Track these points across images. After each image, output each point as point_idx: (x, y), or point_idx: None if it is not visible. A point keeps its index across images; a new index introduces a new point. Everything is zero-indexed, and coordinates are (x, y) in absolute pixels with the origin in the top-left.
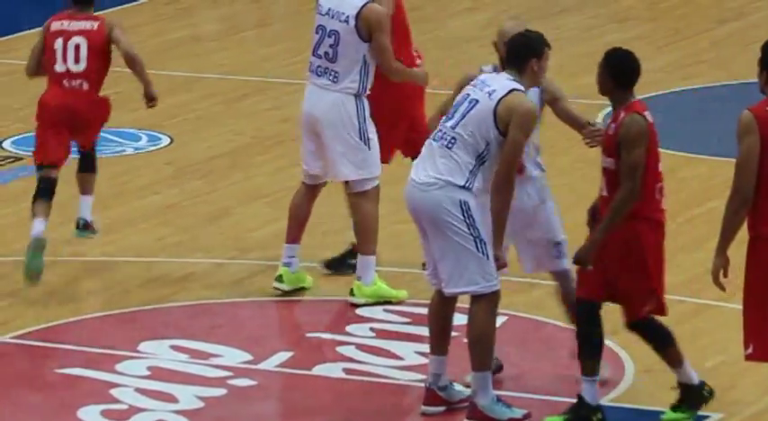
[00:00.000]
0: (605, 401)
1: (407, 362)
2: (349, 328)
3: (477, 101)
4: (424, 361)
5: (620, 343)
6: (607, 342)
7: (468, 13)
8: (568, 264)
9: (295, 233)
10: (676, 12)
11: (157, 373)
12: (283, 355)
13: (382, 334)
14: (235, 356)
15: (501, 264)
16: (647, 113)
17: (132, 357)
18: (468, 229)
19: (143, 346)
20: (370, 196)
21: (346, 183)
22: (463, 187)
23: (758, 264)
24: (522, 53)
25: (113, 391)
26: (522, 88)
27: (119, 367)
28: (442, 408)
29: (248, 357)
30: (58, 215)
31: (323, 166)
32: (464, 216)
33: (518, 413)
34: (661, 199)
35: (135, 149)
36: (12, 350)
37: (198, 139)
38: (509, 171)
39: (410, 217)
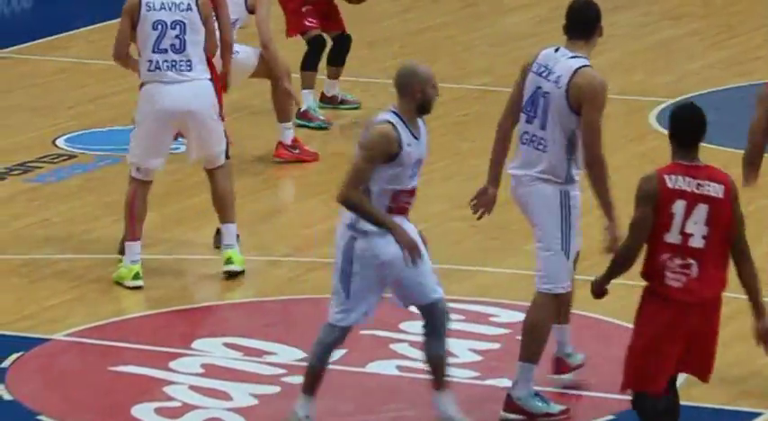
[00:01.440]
0: None
1: (461, 360)
2: (402, 325)
3: (548, 93)
4: (477, 358)
5: None
6: None
7: (523, 10)
8: None
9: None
10: (730, 8)
11: (211, 371)
12: (337, 353)
13: None
14: (289, 354)
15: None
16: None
17: (186, 355)
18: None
19: (197, 344)
20: (228, 168)
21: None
22: (564, 182)
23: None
24: (591, 19)
25: (167, 389)
26: (587, 62)
27: (173, 364)
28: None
29: (302, 355)
30: (111, 213)
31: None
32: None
33: (555, 409)
34: (673, 274)
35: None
36: (66, 347)
37: (253, 136)
38: (596, 152)
39: (463, 214)
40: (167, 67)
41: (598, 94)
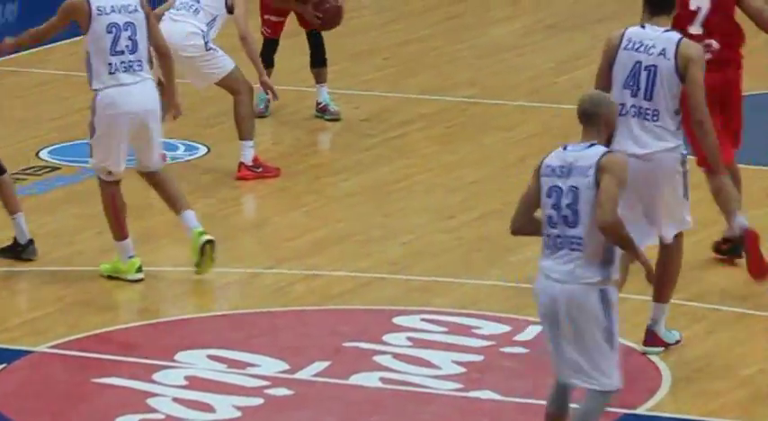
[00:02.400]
0: (643, 411)
1: (444, 372)
2: (386, 338)
3: (655, 66)
4: (460, 370)
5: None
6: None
7: (508, 22)
8: None
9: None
10: None
11: (195, 383)
12: (320, 365)
13: (419, 343)
14: (272, 366)
15: None
16: None
17: (169, 367)
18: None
19: (180, 356)
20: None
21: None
22: (676, 148)
23: None
24: None
25: (150, 401)
26: (680, 34)
27: (156, 377)
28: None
29: (285, 367)
30: (94, 225)
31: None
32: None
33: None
34: None
35: (172, 159)
36: (48, 359)
37: (235, 149)
38: (704, 109)
39: (446, 226)
40: (124, 68)
41: (702, 57)
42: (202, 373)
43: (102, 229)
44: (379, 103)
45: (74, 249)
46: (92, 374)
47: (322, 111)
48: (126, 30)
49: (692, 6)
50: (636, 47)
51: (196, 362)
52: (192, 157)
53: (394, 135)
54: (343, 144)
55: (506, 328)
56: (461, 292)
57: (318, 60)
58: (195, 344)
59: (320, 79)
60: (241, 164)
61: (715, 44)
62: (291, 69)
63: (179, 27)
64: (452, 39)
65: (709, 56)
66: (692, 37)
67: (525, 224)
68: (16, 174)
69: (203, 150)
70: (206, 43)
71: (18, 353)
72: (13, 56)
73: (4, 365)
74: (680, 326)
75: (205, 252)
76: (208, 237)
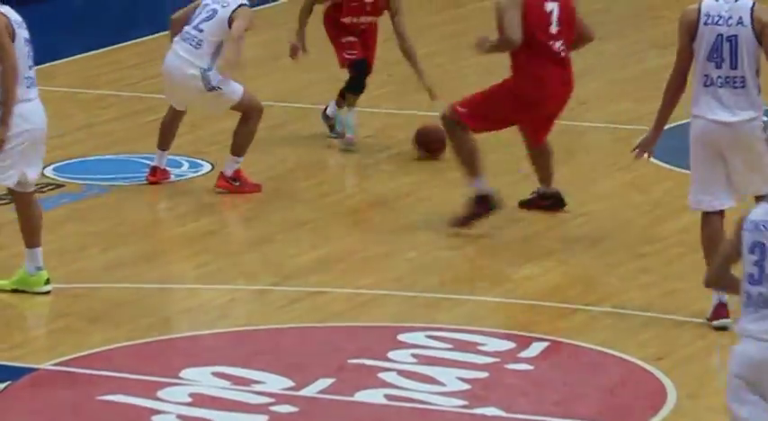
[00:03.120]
0: None
1: (449, 389)
2: (390, 354)
3: (735, 36)
4: (465, 386)
5: (662, 368)
6: (650, 368)
7: None
8: None
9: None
10: None
11: (199, 400)
12: (325, 382)
13: (424, 360)
14: (276, 383)
15: None
16: None
17: (174, 384)
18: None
19: (185, 373)
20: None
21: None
22: (757, 117)
23: None
24: None
25: (155, 418)
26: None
27: (161, 394)
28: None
29: (290, 384)
30: (99, 242)
31: None
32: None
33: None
34: None
35: (176, 176)
36: (53, 377)
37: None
38: None
39: (451, 243)
40: (33, 83)
41: None
42: (207, 390)
43: (106, 246)
44: (384, 119)
45: (78, 266)
46: (96, 391)
47: (338, 134)
48: (27, 45)
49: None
50: (715, 21)
51: (201, 379)
52: (196, 174)
53: (398, 151)
54: (348, 160)
55: (511, 345)
56: (466, 309)
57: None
58: (200, 361)
59: (351, 103)
60: (221, 174)
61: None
62: (296, 87)
63: (181, 68)
64: (456, 56)
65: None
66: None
67: (722, 278)
68: None
69: (207, 167)
70: (208, 83)
71: (22, 371)
72: None
73: (8, 383)
74: (684, 343)
75: (23, 288)
76: (49, 287)
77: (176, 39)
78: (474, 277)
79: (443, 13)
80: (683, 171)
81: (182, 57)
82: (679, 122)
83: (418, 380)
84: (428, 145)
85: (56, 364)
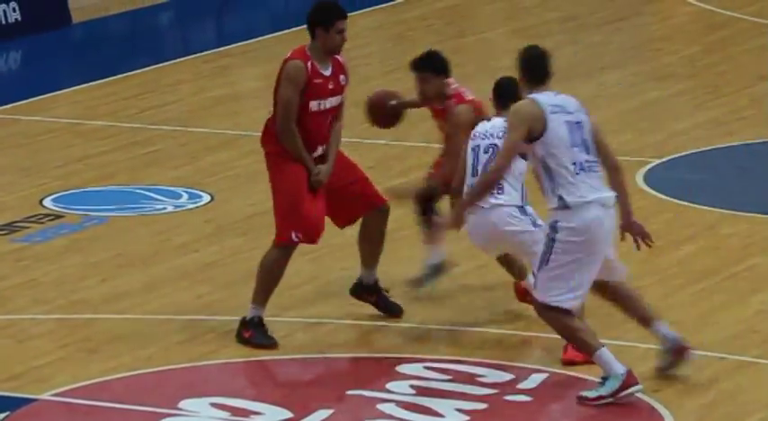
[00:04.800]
0: None
1: (447, 420)
2: (389, 386)
3: (580, 122)
4: (463, 418)
5: (662, 400)
6: (648, 399)
7: (511, 71)
8: None
9: None
10: (716, 69)
11: None
12: (324, 413)
13: (423, 391)
14: (275, 414)
15: None
16: None
17: (173, 415)
18: None
19: (184, 404)
20: None
21: None
22: None
23: None
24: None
25: None
26: None
27: None
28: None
29: (289, 415)
30: (98, 273)
31: None
32: None
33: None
34: None
35: (175, 207)
36: (52, 407)
37: (238, 197)
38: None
39: (450, 274)
40: None
41: None
42: None
43: (106, 277)
44: (385, 151)
45: (77, 297)
46: None
47: None
48: None
49: None
50: (559, 111)
51: (200, 410)
52: (195, 206)
53: (399, 183)
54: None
55: (510, 376)
56: (465, 340)
57: None
58: (199, 392)
59: None
60: None
61: None
62: None
63: None
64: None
65: None
66: None
67: None
68: (19, 222)
69: (206, 198)
70: None
71: (22, 401)
72: (16, 103)
73: (7, 413)
74: (683, 375)
75: None
76: None
77: None
78: (473, 308)
79: (444, 44)
80: (683, 202)
81: None
82: (680, 154)
83: (417, 411)
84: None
85: (54, 395)
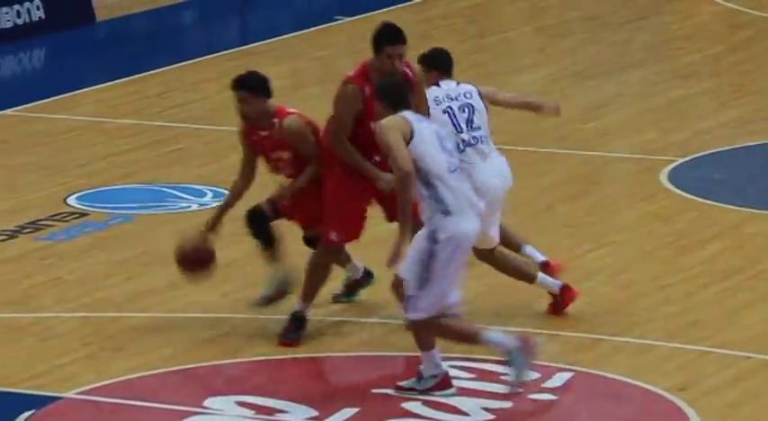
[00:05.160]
0: None
1: (473, 418)
2: None
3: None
4: (489, 416)
5: (686, 399)
6: (674, 398)
7: (533, 69)
8: None
9: None
10: (740, 68)
11: None
12: (348, 411)
13: None
14: (300, 412)
15: None
16: None
17: (198, 413)
18: None
19: (209, 402)
20: None
21: None
22: None
23: None
24: None
25: None
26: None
27: None
28: None
29: (314, 413)
30: (122, 271)
31: None
32: None
33: None
34: None
35: (200, 205)
36: (77, 406)
37: (262, 195)
38: None
39: (474, 273)
40: None
41: None
42: (231, 420)
43: (130, 275)
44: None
45: (102, 295)
46: None
47: None
48: None
49: None
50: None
51: (225, 408)
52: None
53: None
54: None
55: (535, 375)
56: None
57: None
58: (224, 390)
59: None
60: None
61: None
62: (319, 115)
63: None
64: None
65: None
66: None
67: None
68: (44, 220)
69: None
70: None
71: (46, 400)
72: (40, 102)
73: (32, 412)
74: (708, 374)
75: None
76: None
77: None
78: (498, 307)
79: (466, 43)
80: (707, 201)
81: None
82: (704, 153)
83: (442, 409)
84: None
85: (79, 393)
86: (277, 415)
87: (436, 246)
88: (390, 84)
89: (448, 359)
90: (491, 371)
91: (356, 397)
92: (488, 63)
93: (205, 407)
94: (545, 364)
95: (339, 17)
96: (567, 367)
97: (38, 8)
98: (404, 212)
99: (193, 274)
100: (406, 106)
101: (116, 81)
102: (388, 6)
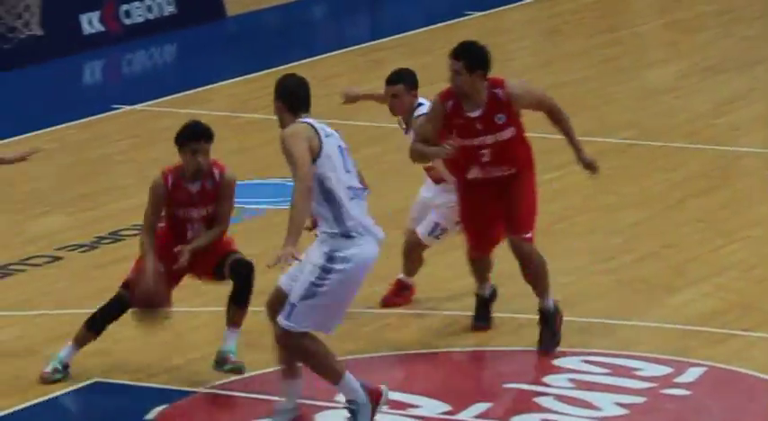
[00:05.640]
0: None
1: (605, 414)
2: (546, 379)
3: (347, 148)
4: (622, 412)
5: None
6: None
7: (664, 64)
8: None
9: None
10: None
11: None
12: (481, 406)
13: (581, 384)
14: (433, 407)
15: None
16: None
17: (331, 408)
18: None
19: (342, 397)
20: None
21: None
22: None
23: None
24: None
25: None
26: None
27: (318, 417)
28: None
29: (447, 408)
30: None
31: None
32: None
33: None
34: None
35: None
36: (210, 400)
37: (391, 191)
38: None
39: (607, 268)
40: None
41: None
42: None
43: (264, 270)
44: (537, 144)
45: (228, 291)
46: (253, 415)
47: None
48: None
49: None
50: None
51: None
52: None
53: (553, 177)
54: None
55: (668, 370)
56: (622, 334)
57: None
58: None
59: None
60: None
61: None
62: None
63: None
64: (609, 81)
65: None
66: None
67: None
68: None
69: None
70: None
71: (180, 394)
72: (172, 96)
73: (166, 406)
74: None
75: None
76: None
77: None
78: (629, 302)
79: (597, 38)
80: None
81: None
82: None
83: (575, 404)
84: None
85: (212, 387)
86: (409, 409)
87: (333, 265)
88: (290, 82)
89: (578, 353)
90: (624, 367)
91: (488, 391)
92: (619, 57)
93: (338, 402)
94: (677, 359)
95: (469, 12)
96: (700, 362)
97: (169, 3)
98: (294, 224)
99: (144, 317)
100: (305, 109)
101: (247, 76)
102: (519, 1)
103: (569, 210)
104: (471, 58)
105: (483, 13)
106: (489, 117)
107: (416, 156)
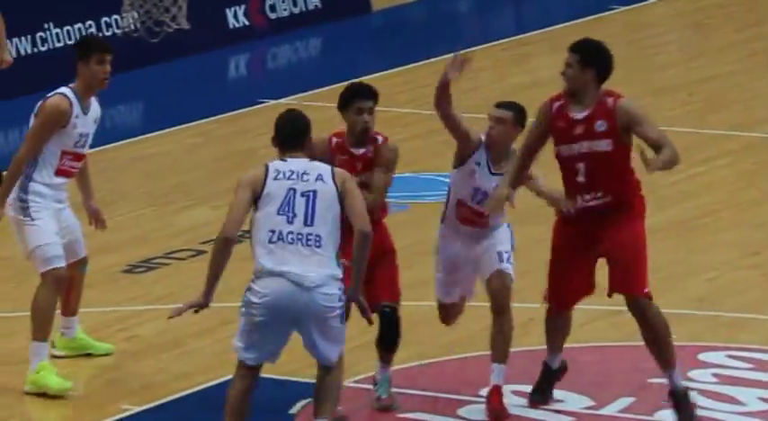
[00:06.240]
0: None
1: (749, 409)
2: (691, 374)
3: (315, 191)
4: (766, 406)
5: None
6: None
7: None
8: None
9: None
10: None
11: None
12: (625, 401)
13: (726, 379)
14: (577, 402)
15: None
16: None
17: (474, 402)
18: None
19: (485, 391)
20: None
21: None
22: None
23: None
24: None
25: None
26: None
27: (461, 412)
28: None
29: (590, 403)
30: (399, 260)
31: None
32: None
33: None
34: None
35: None
36: (353, 394)
37: None
38: None
39: (753, 262)
40: None
41: None
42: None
43: (407, 265)
44: (683, 138)
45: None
46: (396, 410)
47: None
48: None
49: None
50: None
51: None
52: None
53: (699, 171)
54: (647, 180)
55: None
56: (764, 329)
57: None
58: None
59: None
60: None
61: None
62: None
63: None
64: (756, 75)
65: None
66: None
67: None
68: None
69: None
70: None
71: None
72: (317, 90)
73: (309, 400)
74: None
75: None
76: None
77: None
78: None
79: (744, 32)
80: None
81: None
82: None
83: (718, 399)
84: None
85: (355, 382)
86: (553, 404)
87: (245, 296)
88: (283, 118)
89: (722, 349)
90: None
91: (633, 386)
92: (766, 51)
93: (481, 397)
94: None
95: (615, 6)
96: None
97: None
98: (208, 273)
99: None
100: (292, 147)
101: (392, 70)
102: None
103: (714, 205)
104: (587, 53)
105: (628, 7)
106: (591, 122)
107: (533, 188)
